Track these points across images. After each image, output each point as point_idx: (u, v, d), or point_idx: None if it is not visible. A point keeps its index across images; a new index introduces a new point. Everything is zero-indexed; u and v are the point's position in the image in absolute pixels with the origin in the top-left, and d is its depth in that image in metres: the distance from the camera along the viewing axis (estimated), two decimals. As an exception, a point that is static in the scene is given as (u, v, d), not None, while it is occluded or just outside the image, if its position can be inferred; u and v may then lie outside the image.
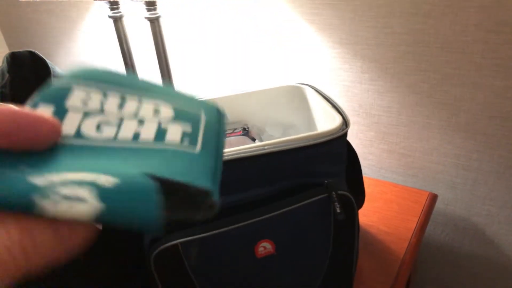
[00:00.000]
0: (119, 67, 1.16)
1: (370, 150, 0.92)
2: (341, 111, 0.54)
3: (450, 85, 0.75)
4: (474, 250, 0.89)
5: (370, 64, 0.82)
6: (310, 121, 0.65)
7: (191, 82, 1.11)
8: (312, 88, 0.64)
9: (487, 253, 0.88)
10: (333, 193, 0.48)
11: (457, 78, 0.74)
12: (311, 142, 0.48)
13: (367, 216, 0.78)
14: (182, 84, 1.12)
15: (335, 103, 0.57)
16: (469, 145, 0.79)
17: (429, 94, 0.78)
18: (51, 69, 0.67)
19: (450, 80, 0.75)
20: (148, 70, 1.14)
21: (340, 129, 0.50)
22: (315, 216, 0.49)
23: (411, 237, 0.73)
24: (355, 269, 0.57)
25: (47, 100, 0.19)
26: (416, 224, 0.75)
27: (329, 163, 0.51)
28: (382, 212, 0.79)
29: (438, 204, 0.89)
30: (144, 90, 0.23)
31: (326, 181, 0.49)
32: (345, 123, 0.52)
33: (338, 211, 0.47)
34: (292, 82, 0.68)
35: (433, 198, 0.82)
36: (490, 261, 0.88)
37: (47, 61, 0.68)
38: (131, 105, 0.22)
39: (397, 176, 0.92)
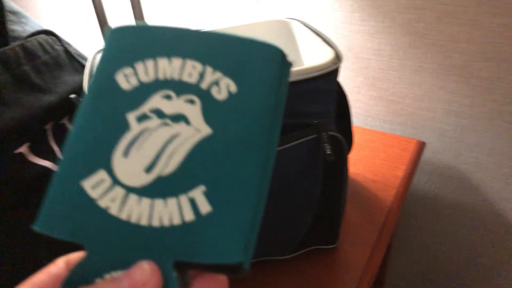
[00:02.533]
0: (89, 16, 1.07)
1: (357, 97, 0.88)
2: (333, 45, 0.49)
3: (446, 24, 0.70)
4: (459, 198, 0.88)
5: (361, 2, 0.76)
6: (299, 58, 0.59)
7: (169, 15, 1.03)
8: (301, 23, 0.58)
9: (471, 201, 0.87)
10: (323, 133, 0.44)
11: (454, 16, 0.69)
12: (301, 77, 0.43)
13: (353, 164, 0.76)
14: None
15: (326, 37, 0.51)
16: (462, 89, 0.75)
17: (423, 34, 0.73)
18: (3, 3, 0.59)
19: (447, 18, 0.70)
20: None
21: (332, 63, 0.45)
22: (304, 158, 0.45)
23: (399, 185, 0.70)
24: (342, 215, 0.54)
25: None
26: (404, 172, 0.73)
27: (319, 102, 0.46)
28: (368, 160, 0.76)
29: (426, 153, 0.87)
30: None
31: (315, 121, 0.45)
32: (338, 57, 0.47)
33: (328, 152, 0.43)
34: (280, 17, 0.62)
35: (421, 145, 0.79)
36: (474, 209, 0.88)
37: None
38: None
39: (385, 124, 0.89)
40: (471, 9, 0.67)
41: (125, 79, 0.20)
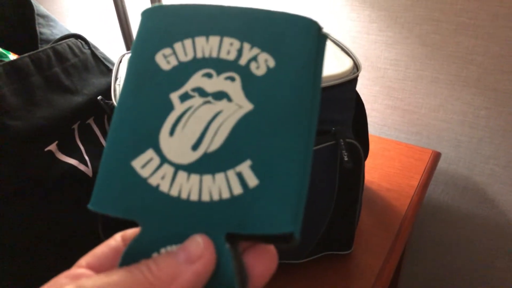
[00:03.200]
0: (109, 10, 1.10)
1: (373, 106, 0.89)
2: (351, 55, 0.50)
3: (463, 36, 0.71)
4: (473, 210, 0.88)
5: (379, 13, 0.77)
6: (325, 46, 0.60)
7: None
8: (320, 32, 0.59)
9: (486, 213, 0.87)
10: (341, 140, 0.45)
11: (472, 29, 0.70)
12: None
13: (368, 173, 0.76)
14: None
15: (345, 46, 0.53)
16: (478, 101, 0.75)
17: (440, 46, 0.74)
18: (34, 7, 0.61)
19: (464, 31, 0.70)
20: None
21: (351, 72, 0.47)
22: (321, 164, 0.46)
23: (413, 194, 0.71)
24: (357, 222, 0.54)
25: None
26: (419, 181, 0.73)
27: (337, 110, 0.47)
28: (383, 169, 0.77)
29: (440, 163, 0.87)
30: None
31: (333, 128, 0.46)
32: (356, 66, 0.48)
33: (346, 159, 0.44)
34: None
35: (437, 156, 0.79)
36: (488, 222, 0.87)
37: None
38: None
39: (400, 134, 0.89)
40: (488, 22, 0.67)
41: (165, 60, 0.21)
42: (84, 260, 0.20)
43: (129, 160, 0.20)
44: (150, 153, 0.20)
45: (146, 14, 0.22)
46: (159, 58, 0.21)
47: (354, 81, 0.47)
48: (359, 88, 0.88)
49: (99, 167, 0.20)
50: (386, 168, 0.77)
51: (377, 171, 0.77)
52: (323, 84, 0.44)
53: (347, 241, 0.56)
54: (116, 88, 0.48)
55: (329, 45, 0.55)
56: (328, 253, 0.58)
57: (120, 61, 0.54)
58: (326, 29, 0.85)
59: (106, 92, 0.53)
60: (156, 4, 0.22)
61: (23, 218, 0.42)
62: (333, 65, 0.53)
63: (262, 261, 0.19)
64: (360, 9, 0.79)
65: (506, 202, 0.83)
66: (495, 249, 0.90)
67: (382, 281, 0.56)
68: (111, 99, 0.49)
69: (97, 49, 0.57)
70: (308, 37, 0.20)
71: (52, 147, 0.45)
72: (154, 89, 0.20)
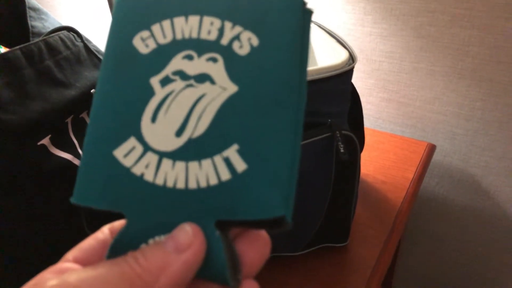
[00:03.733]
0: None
1: (368, 99, 0.89)
2: (347, 46, 0.50)
3: (459, 28, 0.71)
4: (468, 202, 0.88)
5: (374, 5, 0.77)
6: (313, 58, 0.60)
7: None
8: (315, 24, 0.59)
9: (481, 205, 0.87)
10: (337, 132, 0.45)
11: (467, 20, 0.69)
12: (315, 77, 0.44)
13: (363, 166, 0.76)
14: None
15: (340, 38, 0.52)
16: (473, 93, 0.76)
17: (436, 38, 0.74)
18: (25, 0, 0.60)
19: (460, 22, 0.70)
20: None
21: (346, 63, 0.46)
22: (317, 156, 0.45)
23: (409, 186, 0.71)
24: (353, 214, 0.55)
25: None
26: (414, 174, 0.73)
27: (332, 102, 0.47)
28: (378, 162, 0.77)
29: (435, 156, 0.87)
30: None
31: (329, 120, 0.46)
32: (352, 58, 0.48)
33: (342, 151, 0.44)
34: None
35: (432, 148, 0.80)
36: (483, 213, 0.88)
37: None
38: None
39: (395, 127, 0.89)
40: (484, 13, 0.67)
41: (143, 43, 0.20)
42: (71, 254, 0.19)
43: (111, 150, 0.19)
44: (132, 142, 0.19)
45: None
46: (137, 42, 0.20)
47: (350, 72, 0.47)
48: (354, 81, 0.88)
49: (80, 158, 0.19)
50: (381, 161, 0.77)
51: (372, 163, 0.77)
52: (319, 76, 0.44)
53: (343, 233, 0.56)
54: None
55: (324, 36, 0.54)
56: (324, 245, 0.58)
57: None
58: (320, 21, 0.85)
59: (100, 85, 0.52)
60: None
61: (18, 213, 0.42)
62: (329, 56, 0.53)
63: (254, 248, 0.19)
64: (355, 1, 0.78)
65: (501, 194, 0.83)
66: (490, 241, 0.91)
67: (378, 272, 0.56)
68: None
69: (89, 42, 0.57)
70: (292, 13, 0.19)
71: (45, 141, 0.44)
72: (133, 74, 0.20)
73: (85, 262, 0.19)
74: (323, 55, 0.55)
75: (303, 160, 0.45)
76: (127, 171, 0.19)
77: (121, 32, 0.20)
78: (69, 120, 0.48)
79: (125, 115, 0.19)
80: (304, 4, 0.20)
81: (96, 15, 1.15)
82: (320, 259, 0.57)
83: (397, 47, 0.79)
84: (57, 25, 0.58)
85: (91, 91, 0.48)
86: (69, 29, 0.54)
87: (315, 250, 0.58)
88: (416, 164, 0.76)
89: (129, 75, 0.20)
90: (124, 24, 0.20)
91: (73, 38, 0.53)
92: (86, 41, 0.55)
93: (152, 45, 0.20)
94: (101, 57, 0.56)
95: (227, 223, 0.18)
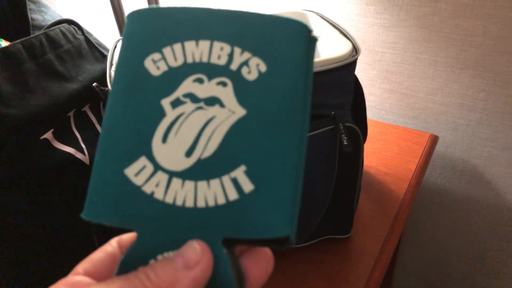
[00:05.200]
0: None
1: (371, 90, 0.88)
2: (350, 38, 0.49)
3: (462, 18, 0.70)
4: (471, 192, 0.88)
5: (376, -5, 0.76)
6: (316, 50, 0.60)
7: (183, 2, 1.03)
8: (318, 15, 0.58)
9: (484, 196, 0.87)
10: (340, 124, 0.45)
11: (471, 10, 0.69)
12: (318, 69, 0.43)
13: (366, 157, 0.76)
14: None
15: (343, 29, 0.52)
16: (476, 83, 0.75)
17: (439, 28, 0.73)
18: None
19: (463, 12, 0.70)
20: None
21: (350, 55, 0.46)
22: (320, 149, 0.45)
23: (411, 177, 0.71)
24: (356, 206, 0.55)
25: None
26: (417, 165, 0.73)
27: (336, 94, 0.47)
28: (381, 153, 0.77)
29: (438, 147, 0.87)
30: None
31: (332, 112, 0.46)
32: (355, 49, 0.47)
33: (345, 143, 0.44)
34: (296, 9, 0.62)
35: (434, 139, 0.79)
36: (486, 204, 0.88)
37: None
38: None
39: (398, 118, 0.89)
40: (487, 2, 0.67)
41: (154, 65, 0.20)
42: (81, 266, 0.20)
43: (122, 168, 0.19)
44: (143, 161, 0.19)
45: (133, 17, 0.21)
46: (148, 63, 0.21)
47: (353, 64, 0.47)
48: (356, 72, 0.87)
49: (90, 175, 0.20)
50: (384, 152, 0.77)
51: (375, 155, 0.77)
52: (323, 68, 0.43)
53: (346, 225, 0.56)
54: (111, 74, 0.47)
55: (327, 28, 0.54)
56: (327, 237, 0.58)
57: (115, 47, 0.53)
58: (323, 12, 0.84)
59: (101, 78, 0.52)
60: (143, 8, 0.22)
61: (20, 206, 0.42)
62: (332, 48, 0.53)
63: (258, 264, 0.20)
64: (358, -9, 0.78)
65: (504, 185, 0.83)
66: (493, 231, 0.91)
67: (381, 264, 0.56)
68: (106, 86, 0.48)
69: (90, 35, 0.56)
70: (298, 40, 0.20)
71: (48, 135, 0.44)
72: (144, 95, 0.20)
73: (95, 274, 0.19)
74: (326, 47, 0.54)
75: (307, 152, 0.45)
76: (137, 189, 0.19)
77: (132, 53, 0.21)
78: (71, 114, 0.48)
79: (136, 135, 0.20)
80: (310, 31, 0.21)
81: (96, 7, 1.14)
82: (323, 250, 0.58)
83: (400, 37, 0.78)
84: (57, 18, 0.57)
85: (93, 84, 0.47)
86: (70, 22, 0.53)
87: (319, 242, 0.58)
88: (419, 155, 0.75)
89: (140, 95, 0.20)
90: (136, 45, 0.21)
91: (74, 31, 0.53)
92: (87, 34, 0.55)
93: (163, 67, 0.20)
94: (102, 50, 0.56)
95: (234, 240, 0.19)
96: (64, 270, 0.20)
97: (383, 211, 0.65)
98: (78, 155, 0.47)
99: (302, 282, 0.54)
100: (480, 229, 0.92)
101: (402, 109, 0.87)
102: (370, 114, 0.92)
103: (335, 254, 0.57)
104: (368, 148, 0.78)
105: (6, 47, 0.42)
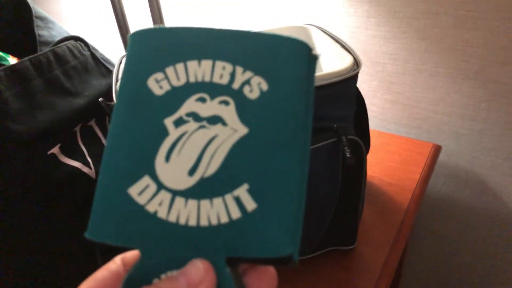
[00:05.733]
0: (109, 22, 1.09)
1: (373, 101, 0.89)
2: (351, 51, 0.50)
3: (462, 29, 0.71)
4: (475, 202, 0.88)
5: (377, 7, 0.77)
6: (318, 64, 0.61)
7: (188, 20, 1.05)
8: (319, 29, 0.59)
9: (487, 205, 0.87)
10: (343, 137, 0.45)
11: (471, 21, 0.69)
12: (321, 83, 0.44)
13: (369, 167, 0.76)
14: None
15: (345, 43, 0.53)
16: (478, 94, 0.76)
17: (439, 39, 0.74)
18: (32, 9, 0.61)
19: (463, 24, 0.70)
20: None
21: (351, 69, 0.47)
22: (323, 161, 0.46)
23: (415, 187, 0.71)
24: (360, 217, 0.55)
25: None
26: (420, 175, 0.73)
27: (338, 106, 0.47)
28: (384, 164, 0.77)
29: (441, 156, 0.87)
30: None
31: (335, 125, 0.46)
32: (357, 63, 0.48)
33: (348, 155, 0.45)
34: (298, 23, 0.63)
35: (437, 149, 0.80)
36: (490, 214, 0.88)
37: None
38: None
39: (400, 128, 0.89)
40: (488, 14, 0.67)
41: (157, 85, 0.21)
42: (85, 285, 0.20)
43: (125, 188, 0.19)
44: (146, 180, 0.19)
45: (135, 37, 0.22)
46: (151, 83, 0.21)
47: (355, 77, 0.47)
48: (359, 83, 0.88)
49: (94, 195, 0.20)
50: (387, 163, 0.77)
51: (378, 165, 0.77)
52: (325, 82, 0.44)
53: (350, 236, 0.56)
54: (117, 89, 0.48)
55: (329, 42, 0.55)
56: (332, 248, 0.58)
57: (121, 62, 0.54)
58: (324, 25, 0.85)
59: (107, 93, 0.53)
60: (146, 28, 0.22)
61: (28, 221, 0.43)
62: (334, 62, 0.54)
63: (262, 282, 0.20)
64: (358, 4, 0.79)
65: (508, 194, 0.83)
66: (497, 241, 0.90)
67: (386, 274, 0.56)
68: (112, 101, 0.49)
69: (96, 50, 0.57)
70: (299, 59, 0.21)
71: (55, 150, 0.45)
72: (147, 114, 0.20)
73: None
74: (328, 61, 0.55)
75: (310, 164, 0.45)
76: (141, 208, 0.19)
77: (135, 73, 0.21)
78: (77, 128, 0.49)
79: (139, 154, 0.20)
80: (311, 50, 0.21)
81: (101, 23, 1.16)
82: (328, 261, 0.58)
83: (401, 49, 0.79)
84: (64, 34, 0.58)
85: (99, 99, 0.48)
86: (76, 39, 0.54)
87: (323, 253, 0.58)
88: (422, 165, 0.76)
89: (143, 115, 0.20)
90: (139, 65, 0.21)
91: (80, 48, 0.54)
92: (93, 50, 0.56)
93: (166, 87, 0.21)
94: (108, 65, 0.57)
95: (237, 259, 0.19)
96: (67, 283, 0.21)
97: (387, 221, 0.65)
98: (85, 169, 0.48)
99: (307, 294, 0.54)
100: (485, 238, 0.92)
101: (404, 120, 0.88)
102: (373, 124, 0.92)
103: (340, 265, 0.57)
104: (371, 158, 0.78)
105: (14, 65, 0.43)
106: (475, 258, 0.96)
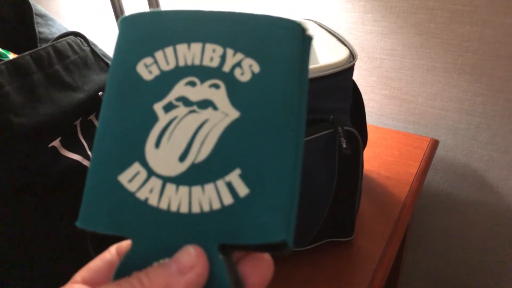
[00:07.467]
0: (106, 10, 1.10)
1: (370, 96, 0.90)
2: (347, 44, 0.51)
3: (458, 24, 0.72)
4: (472, 196, 0.89)
5: (374, 3, 0.78)
6: (315, 57, 0.61)
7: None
8: (316, 23, 0.60)
9: (484, 199, 0.88)
10: (339, 128, 0.46)
11: (466, 15, 0.70)
12: (317, 75, 0.45)
13: (367, 162, 0.77)
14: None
15: (341, 36, 0.53)
16: (474, 88, 0.76)
17: (436, 34, 0.75)
18: (32, 6, 0.62)
19: (459, 18, 0.71)
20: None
21: (347, 61, 0.47)
22: (320, 152, 0.46)
23: (412, 181, 0.72)
24: (357, 209, 0.55)
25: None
26: (417, 169, 0.74)
27: (334, 98, 0.48)
28: (382, 158, 0.78)
29: (439, 151, 0.88)
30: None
31: (331, 117, 0.47)
32: (352, 55, 0.49)
33: (344, 146, 0.45)
34: (295, 18, 0.64)
35: (435, 143, 0.80)
36: (487, 207, 0.88)
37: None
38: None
39: (398, 123, 0.90)
40: (483, 8, 0.68)
41: (146, 70, 0.20)
42: (79, 275, 0.19)
43: (116, 175, 0.19)
44: (136, 167, 0.19)
45: (124, 22, 0.21)
46: (141, 68, 0.20)
47: (350, 69, 0.48)
48: (356, 78, 0.89)
49: (85, 183, 0.19)
50: (385, 157, 0.78)
51: (376, 160, 0.78)
52: (321, 73, 0.45)
53: (348, 228, 0.57)
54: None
55: (325, 35, 0.55)
56: (330, 240, 0.59)
57: None
58: (321, 20, 0.86)
59: (107, 88, 0.54)
60: (136, 12, 0.21)
61: (29, 213, 0.43)
62: (329, 54, 0.54)
63: (257, 270, 0.19)
64: (355, 0, 0.79)
65: (505, 188, 0.84)
66: (494, 234, 0.91)
67: (383, 266, 0.57)
68: (112, 95, 0.49)
69: (96, 46, 0.58)
70: (292, 40, 0.20)
71: (56, 143, 0.45)
72: (137, 100, 0.20)
73: (93, 282, 0.19)
74: (324, 53, 0.56)
75: (306, 156, 0.46)
76: (131, 196, 0.19)
77: (125, 58, 0.21)
78: (77, 122, 0.50)
79: (129, 140, 0.19)
80: (304, 30, 0.20)
81: (100, 20, 1.17)
82: (325, 253, 0.58)
83: (398, 44, 0.80)
84: (64, 31, 0.59)
85: (99, 94, 0.49)
86: (76, 34, 0.55)
87: (321, 245, 0.59)
88: (420, 159, 0.76)
89: (133, 101, 0.20)
90: (128, 50, 0.21)
91: (80, 43, 0.54)
92: (92, 46, 0.57)
93: (155, 71, 0.20)
94: (107, 61, 0.58)
95: (230, 246, 0.18)
96: (67, 276, 0.21)
97: (385, 214, 0.65)
98: (85, 162, 0.48)
99: (305, 285, 0.54)
100: (482, 232, 0.92)
101: (402, 115, 0.88)
102: (371, 120, 0.93)
103: (338, 257, 0.58)
104: (370, 152, 0.79)
105: (15, 59, 0.44)
106: (474, 253, 0.97)
